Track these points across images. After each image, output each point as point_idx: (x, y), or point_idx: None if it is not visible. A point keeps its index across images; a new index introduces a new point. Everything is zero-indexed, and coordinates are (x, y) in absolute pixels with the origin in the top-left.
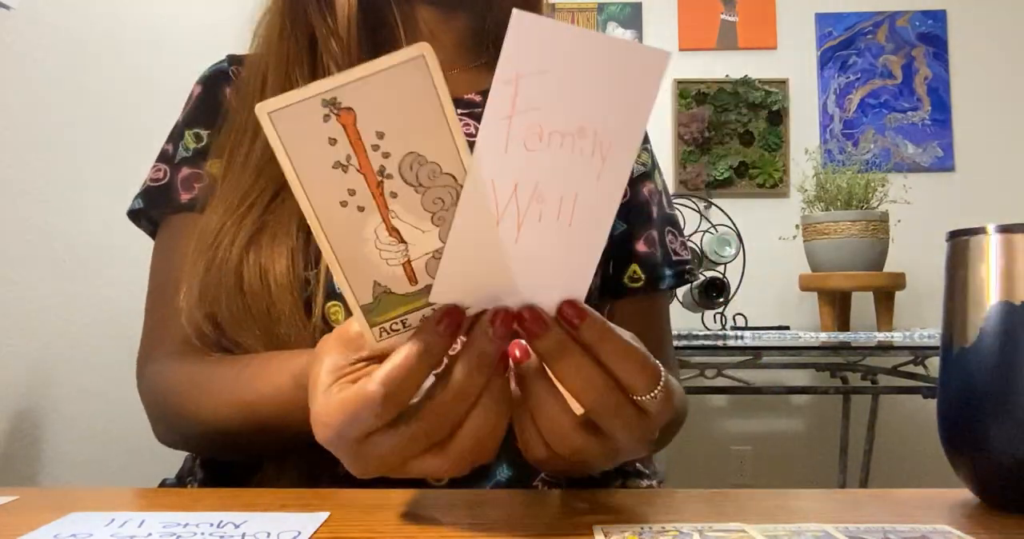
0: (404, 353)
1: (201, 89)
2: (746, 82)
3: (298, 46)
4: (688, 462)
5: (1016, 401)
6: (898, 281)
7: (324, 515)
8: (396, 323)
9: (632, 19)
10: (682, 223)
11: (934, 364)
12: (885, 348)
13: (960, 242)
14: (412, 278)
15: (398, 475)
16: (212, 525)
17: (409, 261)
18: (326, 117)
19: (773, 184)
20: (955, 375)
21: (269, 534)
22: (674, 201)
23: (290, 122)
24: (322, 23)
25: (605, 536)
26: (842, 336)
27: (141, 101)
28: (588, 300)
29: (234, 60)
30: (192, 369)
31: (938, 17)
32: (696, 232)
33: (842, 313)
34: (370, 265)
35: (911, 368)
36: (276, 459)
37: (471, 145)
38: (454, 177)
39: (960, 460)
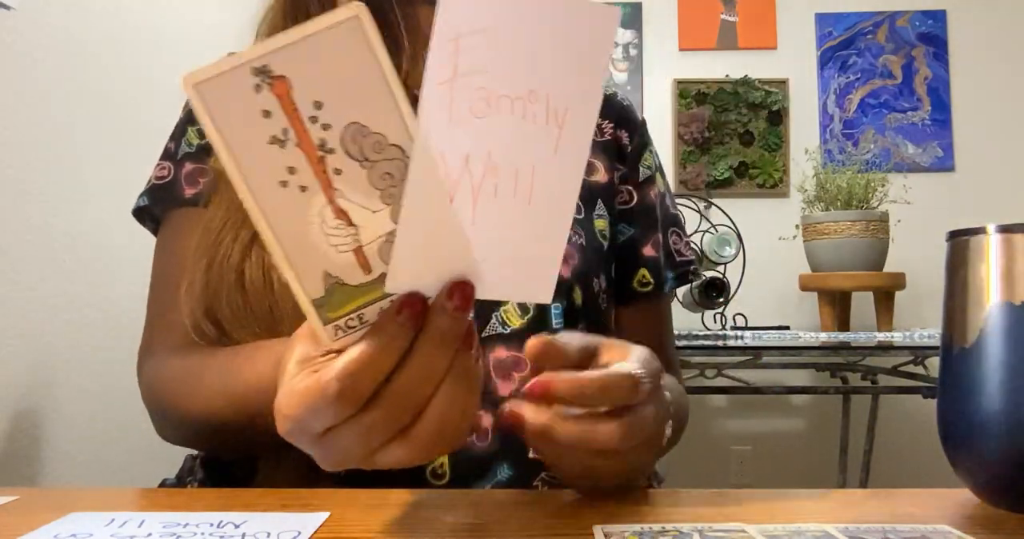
0: (362, 346)
1: None
2: (746, 82)
3: None
4: (688, 462)
5: (1016, 401)
6: (898, 281)
7: (324, 515)
8: (352, 318)
9: (632, 19)
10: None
11: (934, 364)
12: (885, 348)
13: (960, 242)
14: (365, 266)
15: (367, 467)
16: (212, 525)
17: (360, 247)
18: (258, 87)
19: (773, 184)
20: (955, 375)
21: (269, 534)
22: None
23: (219, 94)
24: None
25: (605, 536)
26: (842, 336)
27: (141, 101)
28: (596, 304)
29: None
30: (187, 362)
31: (938, 17)
32: (696, 232)
33: (842, 313)
34: (318, 253)
35: (911, 368)
36: (272, 453)
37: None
38: (401, 149)
39: (960, 460)
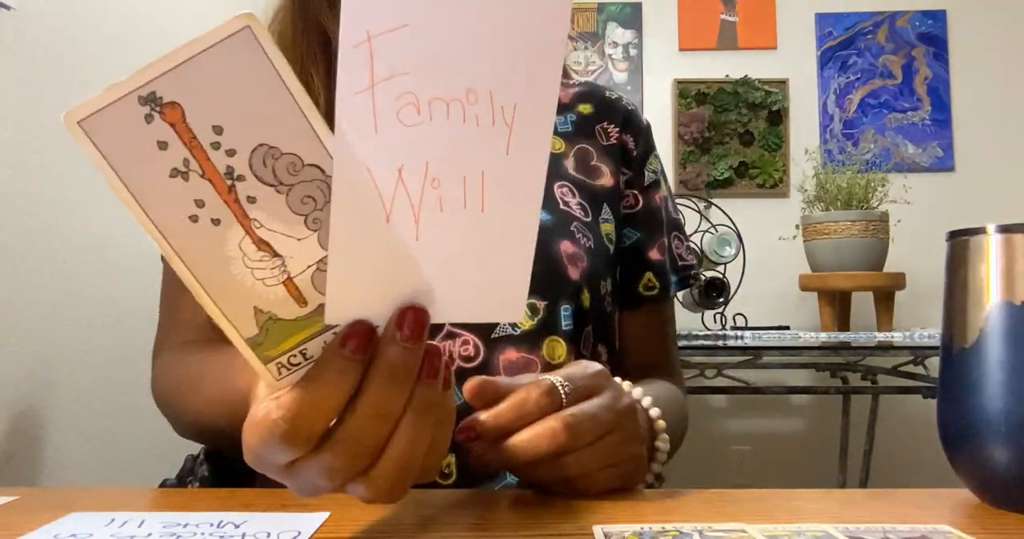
0: (306, 384)
1: None
2: (746, 82)
3: (313, 45)
4: (688, 462)
5: (1016, 401)
6: (898, 281)
7: (324, 515)
8: (294, 355)
9: (632, 19)
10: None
11: (934, 364)
12: (885, 348)
13: (960, 242)
14: (299, 298)
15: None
16: (212, 525)
17: (291, 278)
18: (148, 117)
19: (773, 184)
20: (955, 375)
21: (269, 534)
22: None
23: (107, 130)
24: (333, 23)
25: (605, 536)
26: (842, 336)
27: None
28: (602, 307)
29: None
30: (189, 364)
31: (938, 17)
32: (696, 232)
33: (842, 313)
34: (244, 289)
35: (911, 368)
36: None
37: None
38: (320, 168)
39: (960, 460)
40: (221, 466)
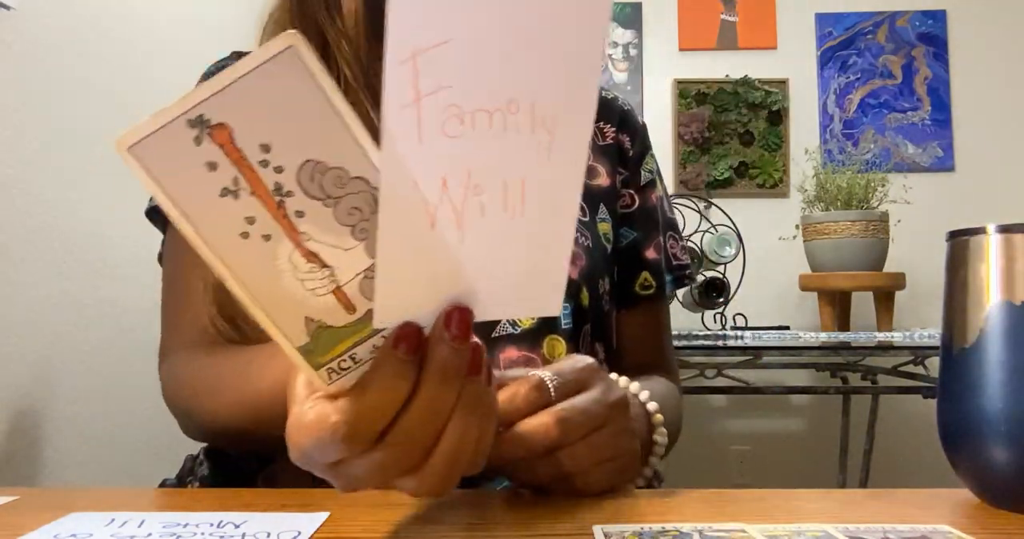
0: (366, 384)
1: None
2: (746, 82)
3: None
4: (688, 462)
5: (1016, 401)
6: (898, 281)
7: (324, 515)
8: (344, 360)
9: (632, 19)
10: (682, 223)
11: (934, 364)
12: (885, 348)
13: (960, 242)
14: (348, 306)
15: (383, 489)
16: (212, 525)
17: (339, 287)
18: (197, 139)
19: (773, 184)
20: (955, 375)
21: (269, 534)
22: (674, 201)
23: (157, 153)
24: (331, 25)
25: (605, 536)
26: (842, 336)
27: (142, 101)
28: (600, 306)
29: (240, 56)
30: (202, 365)
31: (938, 17)
32: (696, 232)
33: (842, 313)
34: (295, 300)
35: (911, 368)
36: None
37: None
38: (366, 180)
39: (960, 460)
40: (221, 465)
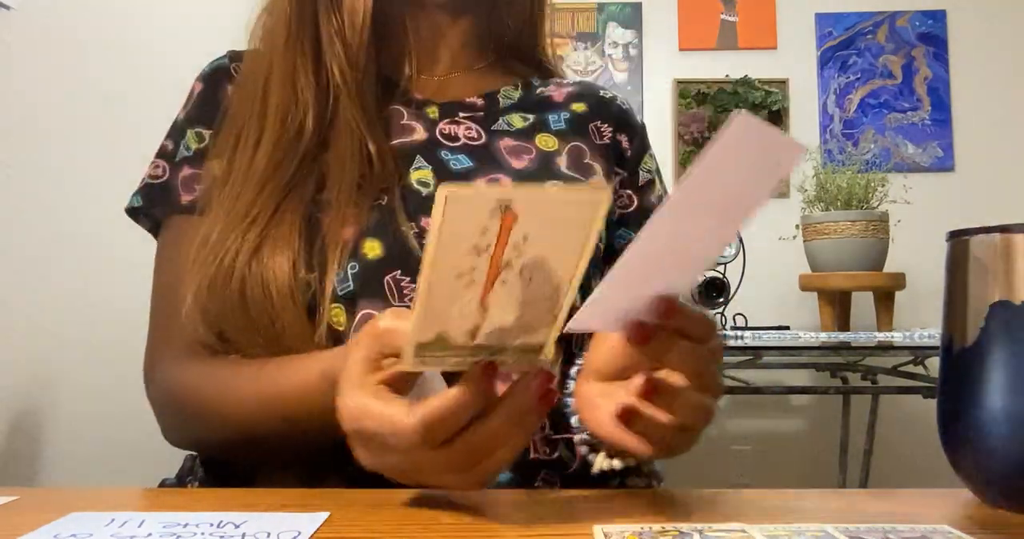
0: (451, 396)
1: (202, 86)
2: (746, 82)
3: (303, 53)
4: (688, 462)
5: (1016, 401)
6: (898, 281)
7: (324, 515)
8: (438, 361)
9: (632, 19)
10: None
11: (934, 364)
12: (885, 348)
13: (960, 242)
14: (472, 336)
15: (407, 482)
16: (212, 525)
17: (479, 326)
18: (493, 212)
19: None
20: (955, 375)
21: (269, 534)
22: None
23: (461, 207)
24: (327, 22)
25: (605, 536)
26: (842, 336)
27: (141, 100)
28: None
29: (235, 57)
30: (210, 368)
31: (938, 17)
32: None
33: (842, 313)
34: (447, 317)
35: (911, 368)
36: (293, 455)
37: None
38: (558, 289)
39: (960, 460)
40: (218, 472)
